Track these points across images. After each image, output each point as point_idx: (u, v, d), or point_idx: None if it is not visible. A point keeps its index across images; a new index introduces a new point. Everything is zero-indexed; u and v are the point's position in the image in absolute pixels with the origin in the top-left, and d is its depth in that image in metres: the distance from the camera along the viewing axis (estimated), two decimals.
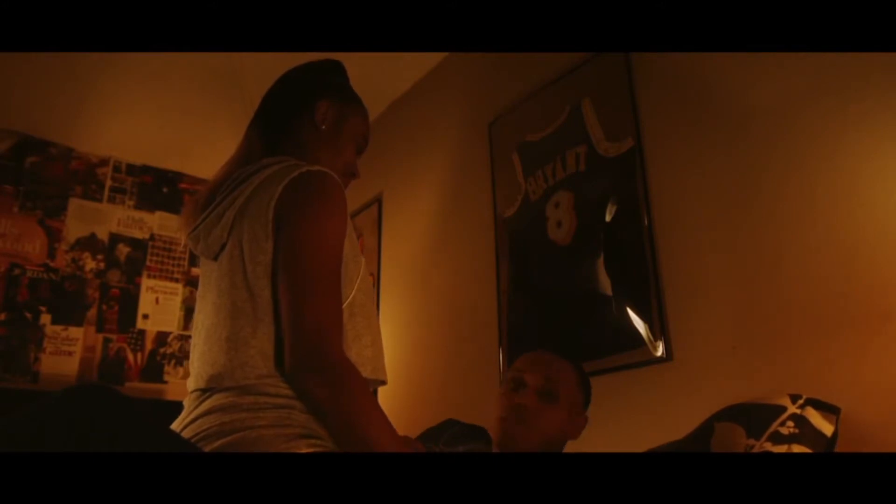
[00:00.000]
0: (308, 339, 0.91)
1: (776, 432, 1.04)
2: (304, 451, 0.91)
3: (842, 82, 1.38)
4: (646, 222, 1.70)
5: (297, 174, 1.01)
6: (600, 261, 1.80)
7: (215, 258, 1.07)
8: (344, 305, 1.00)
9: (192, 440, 0.93)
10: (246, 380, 0.95)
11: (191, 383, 1.05)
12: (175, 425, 1.00)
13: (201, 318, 1.07)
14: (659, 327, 1.61)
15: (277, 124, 1.17)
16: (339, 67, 1.26)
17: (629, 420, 1.62)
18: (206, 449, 0.90)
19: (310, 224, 0.98)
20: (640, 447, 1.34)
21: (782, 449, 1.02)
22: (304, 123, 1.16)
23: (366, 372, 0.99)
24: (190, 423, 0.97)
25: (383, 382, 1.06)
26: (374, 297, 1.10)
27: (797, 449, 1.02)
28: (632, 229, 1.72)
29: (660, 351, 1.60)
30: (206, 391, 1.00)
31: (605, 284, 1.77)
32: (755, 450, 1.03)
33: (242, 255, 1.01)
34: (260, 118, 1.20)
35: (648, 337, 1.63)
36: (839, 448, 1.12)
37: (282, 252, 0.97)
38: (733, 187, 1.54)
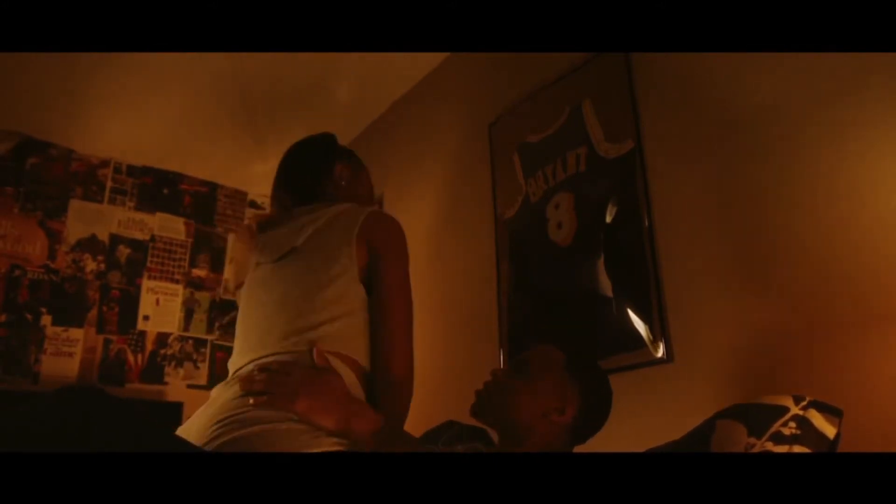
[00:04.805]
0: (398, 369, 1.15)
1: (778, 432, 1.04)
2: (326, 449, 0.98)
3: (843, 82, 1.38)
4: (646, 223, 1.69)
5: (375, 209, 1.27)
6: (600, 262, 1.79)
7: (278, 260, 1.23)
8: None
9: (224, 420, 0.99)
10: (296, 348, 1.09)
11: (236, 362, 1.16)
12: (218, 405, 1.06)
13: (251, 313, 1.22)
14: (659, 328, 1.60)
15: (306, 184, 1.40)
16: (335, 138, 1.51)
17: (630, 421, 1.61)
18: (232, 435, 0.96)
19: (398, 269, 1.21)
20: (641, 448, 1.33)
21: (783, 449, 1.01)
22: (327, 182, 1.39)
23: None
24: (231, 399, 1.04)
25: None
26: None
27: (798, 450, 1.02)
28: (632, 230, 1.72)
29: (660, 352, 1.59)
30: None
31: (606, 285, 1.76)
32: (756, 449, 1.03)
33: (317, 255, 1.19)
34: (287, 182, 1.41)
35: (649, 338, 1.62)
36: (840, 451, 1.12)
37: (376, 292, 1.18)
38: (733, 188, 1.54)
